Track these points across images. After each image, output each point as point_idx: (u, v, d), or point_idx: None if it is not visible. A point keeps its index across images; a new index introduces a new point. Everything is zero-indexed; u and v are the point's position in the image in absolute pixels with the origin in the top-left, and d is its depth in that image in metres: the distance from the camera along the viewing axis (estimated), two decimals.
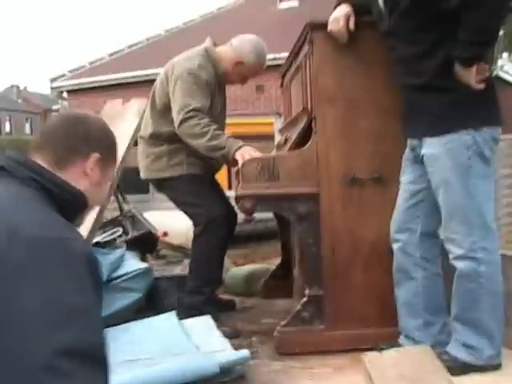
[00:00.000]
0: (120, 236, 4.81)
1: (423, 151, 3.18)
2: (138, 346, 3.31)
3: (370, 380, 2.84)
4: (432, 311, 3.35)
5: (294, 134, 3.78)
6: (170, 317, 3.65)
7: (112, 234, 4.75)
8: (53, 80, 17.35)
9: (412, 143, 3.29)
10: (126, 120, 5.22)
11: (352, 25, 3.44)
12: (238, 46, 4.36)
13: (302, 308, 3.52)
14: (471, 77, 3.01)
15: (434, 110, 3.13)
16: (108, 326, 3.52)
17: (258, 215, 4.39)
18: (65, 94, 17.74)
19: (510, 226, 12.24)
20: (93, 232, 3.98)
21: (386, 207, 3.44)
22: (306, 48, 3.67)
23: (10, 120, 58.49)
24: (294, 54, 4.15)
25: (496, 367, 3.12)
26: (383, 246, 3.47)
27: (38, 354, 1.32)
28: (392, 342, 3.36)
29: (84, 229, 3.85)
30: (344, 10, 3.46)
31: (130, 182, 4.84)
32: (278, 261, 5.24)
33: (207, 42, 4.39)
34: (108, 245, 4.47)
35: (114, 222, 5.12)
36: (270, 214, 5.26)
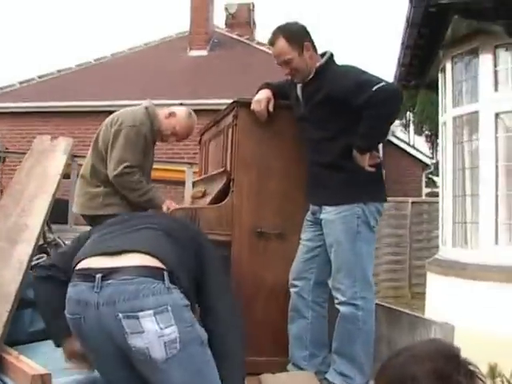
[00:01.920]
0: (44, 262, 5.20)
1: (322, 216, 3.91)
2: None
3: None
4: (317, 345, 4.02)
5: (213, 190, 4.41)
6: None
7: (37, 259, 5.09)
8: None
9: (313, 208, 4.02)
10: (55, 157, 5.70)
11: (271, 107, 4.14)
12: (172, 106, 5.03)
13: None
14: (365, 161, 3.77)
15: (333, 184, 3.88)
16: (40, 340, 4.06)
17: None
18: None
19: (387, 281, 13.15)
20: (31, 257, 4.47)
21: (285, 257, 4.11)
22: (229, 119, 4.34)
23: None
24: (217, 120, 4.83)
25: None
26: (281, 288, 4.11)
27: None
28: (282, 369, 3.99)
29: (24, 254, 4.38)
30: (266, 93, 4.18)
31: (52, 212, 5.22)
32: None
33: (147, 102, 4.97)
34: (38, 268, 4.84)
35: (39, 249, 5.56)
36: None
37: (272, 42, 3.99)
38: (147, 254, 2.88)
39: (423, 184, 21.02)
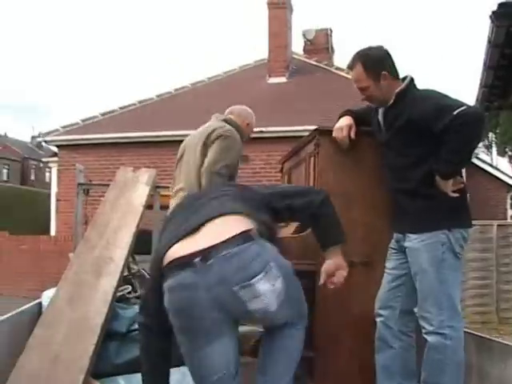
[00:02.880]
0: (129, 293, 5.25)
1: (406, 244, 3.86)
2: None
3: None
4: (405, 376, 3.95)
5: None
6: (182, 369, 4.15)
7: (122, 290, 5.15)
8: (45, 134, 17.71)
9: (397, 236, 3.97)
10: (138, 188, 5.77)
11: (353, 134, 4.13)
12: (239, 112, 5.13)
13: None
14: (448, 187, 3.71)
15: (416, 211, 3.82)
16: (125, 373, 4.09)
17: None
18: (55, 149, 18.15)
19: (473, 307, 12.86)
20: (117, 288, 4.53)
21: (372, 286, 4.06)
22: (311, 147, 4.35)
23: None
24: (298, 149, 4.83)
25: None
26: (367, 318, 4.06)
27: None
28: None
29: (109, 286, 4.43)
30: (347, 120, 4.17)
31: (136, 243, 5.27)
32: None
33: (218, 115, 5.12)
34: (123, 300, 4.89)
35: (123, 280, 5.61)
36: None
37: (351, 67, 4.00)
38: (225, 215, 3.11)
39: (508, 206, 20.60)
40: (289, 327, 3.25)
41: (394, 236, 4.04)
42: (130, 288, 5.21)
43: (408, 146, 3.84)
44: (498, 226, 13.39)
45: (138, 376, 3.99)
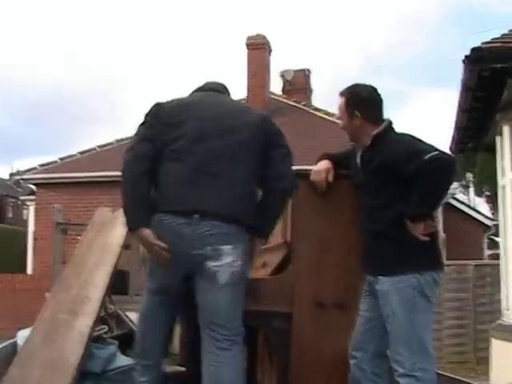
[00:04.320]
0: (105, 333, 5.24)
1: (377, 287, 3.89)
2: None
3: None
4: None
5: (273, 261, 4.44)
6: None
7: (98, 330, 5.13)
8: (23, 172, 17.74)
9: (369, 279, 4.00)
10: (115, 228, 5.78)
11: (331, 178, 4.20)
12: None
13: None
14: (418, 230, 3.77)
15: (387, 254, 3.87)
16: None
17: None
18: (33, 187, 18.14)
19: (451, 346, 12.90)
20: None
21: (346, 328, 4.06)
22: None
23: None
24: None
25: None
26: (341, 360, 4.06)
27: None
28: None
29: (85, 326, 4.44)
30: (325, 164, 4.23)
31: (113, 283, 5.27)
32: None
33: None
34: (99, 340, 4.90)
35: (100, 320, 5.60)
36: None
37: (339, 95, 4.16)
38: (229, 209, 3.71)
39: (485, 246, 20.74)
40: (231, 343, 3.76)
41: (366, 278, 4.07)
42: (106, 328, 5.21)
43: (380, 188, 3.91)
44: (475, 266, 13.49)
45: None
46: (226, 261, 3.67)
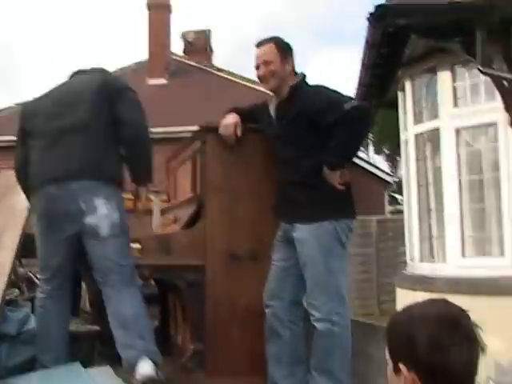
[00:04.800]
0: (17, 296, 5.16)
1: (294, 235, 3.95)
2: None
3: None
4: (295, 364, 4.06)
5: (184, 216, 4.45)
6: (75, 366, 4.16)
7: (9, 294, 5.03)
8: None
9: (285, 227, 4.05)
10: (21, 191, 5.67)
11: (239, 131, 4.21)
12: None
13: (186, 360, 4.18)
14: (335, 179, 3.85)
15: (304, 202, 3.93)
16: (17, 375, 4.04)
17: None
18: None
19: (356, 299, 13.19)
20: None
21: (259, 279, 4.13)
22: (197, 144, 4.40)
23: None
24: (184, 147, 4.88)
25: None
26: (256, 310, 4.13)
27: None
28: None
29: None
30: (233, 118, 4.24)
31: (23, 247, 5.19)
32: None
33: None
34: (12, 303, 4.81)
35: (11, 284, 5.51)
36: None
37: (260, 44, 4.12)
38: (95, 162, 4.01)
39: (386, 202, 21.22)
40: (131, 282, 4.02)
41: (280, 227, 4.13)
42: (17, 291, 5.14)
43: (298, 138, 3.96)
44: (378, 221, 13.75)
45: (30, 376, 4.02)
46: (102, 213, 3.93)
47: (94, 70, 4.39)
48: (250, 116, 4.36)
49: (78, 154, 4.02)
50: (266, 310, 4.09)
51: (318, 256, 3.86)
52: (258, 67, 4.09)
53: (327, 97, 3.91)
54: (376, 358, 3.97)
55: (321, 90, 4.02)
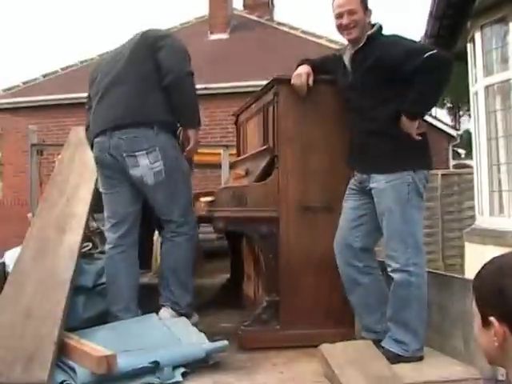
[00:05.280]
0: (90, 250, 5.26)
1: (371, 185, 3.95)
2: (127, 340, 3.82)
3: (326, 364, 3.53)
4: (384, 304, 4.03)
5: (256, 168, 4.47)
6: (151, 316, 4.26)
7: (84, 247, 5.13)
8: None
9: (361, 177, 4.06)
10: None
11: (311, 81, 4.20)
12: None
13: (261, 311, 4.21)
14: (413, 129, 3.83)
15: (383, 152, 3.92)
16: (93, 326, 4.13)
17: (202, 236, 5.05)
18: None
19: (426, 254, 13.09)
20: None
21: (332, 230, 4.15)
22: (269, 96, 4.40)
23: None
24: (255, 99, 4.88)
25: (419, 359, 3.87)
26: (329, 261, 4.15)
27: None
28: (335, 339, 3.93)
29: (73, 242, 4.45)
30: (305, 68, 4.23)
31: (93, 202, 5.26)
32: (222, 276, 5.90)
33: None
34: (87, 256, 4.90)
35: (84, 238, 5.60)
36: (212, 236, 5.97)
37: None
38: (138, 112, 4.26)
39: (450, 156, 20.93)
40: (176, 234, 4.37)
41: (355, 177, 4.13)
42: (91, 245, 5.22)
43: (374, 87, 3.93)
44: (442, 175, 13.61)
45: (106, 327, 4.10)
46: (143, 164, 4.22)
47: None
48: (322, 67, 4.34)
49: (117, 105, 4.31)
50: (339, 261, 4.11)
51: (395, 206, 3.85)
52: (340, 16, 4.03)
53: (405, 46, 3.86)
54: (451, 310, 3.95)
55: (398, 39, 3.97)
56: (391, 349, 3.86)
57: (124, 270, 4.41)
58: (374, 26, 4.06)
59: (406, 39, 3.96)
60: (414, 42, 3.94)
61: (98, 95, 4.47)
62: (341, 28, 4.07)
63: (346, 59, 4.13)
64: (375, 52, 3.90)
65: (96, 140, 4.39)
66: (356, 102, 4.07)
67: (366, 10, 4.02)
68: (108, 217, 4.52)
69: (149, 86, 4.31)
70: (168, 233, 4.42)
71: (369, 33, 4.00)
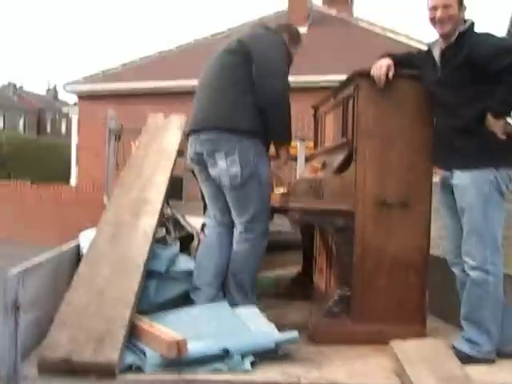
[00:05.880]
0: (164, 235, 5.30)
1: (454, 181, 3.93)
2: (198, 326, 3.87)
3: (396, 361, 3.52)
4: None
5: (334, 161, 4.45)
6: (223, 304, 4.29)
7: (157, 233, 5.16)
8: (67, 84, 17.75)
9: (443, 174, 4.06)
10: (169, 133, 5.77)
11: (391, 75, 4.15)
12: None
13: (332, 305, 4.20)
14: (498, 127, 3.75)
15: (465, 148, 3.87)
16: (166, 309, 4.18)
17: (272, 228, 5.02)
18: (74, 99, 18.22)
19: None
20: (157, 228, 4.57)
21: (409, 226, 4.14)
22: (350, 90, 4.37)
23: (3, 116, 57.78)
24: (335, 92, 4.85)
25: (491, 361, 3.80)
26: (404, 258, 4.14)
27: None
28: (408, 337, 3.87)
29: (148, 226, 4.48)
30: (387, 61, 4.20)
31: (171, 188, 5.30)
32: (293, 268, 5.87)
33: None
34: (160, 241, 4.94)
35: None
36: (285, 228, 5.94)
37: None
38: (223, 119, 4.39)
39: None
40: (240, 239, 4.52)
41: (438, 173, 4.13)
42: (165, 231, 5.25)
43: (463, 84, 3.88)
44: None
45: (178, 312, 4.12)
46: (221, 167, 4.40)
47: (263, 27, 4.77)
48: (406, 62, 4.31)
49: (206, 107, 4.50)
50: (454, 269, 4.17)
51: (476, 203, 3.81)
52: (435, 8, 3.96)
53: (497, 43, 3.78)
54: None
55: (489, 37, 3.88)
56: (463, 349, 3.81)
57: (218, 249, 4.67)
58: (465, 22, 3.99)
59: (496, 37, 3.88)
60: (505, 39, 3.84)
61: (197, 90, 4.72)
62: (434, 21, 3.99)
63: (436, 54, 4.08)
64: (466, 49, 3.84)
65: (189, 138, 4.66)
66: (443, 97, 4.01)
67: (460, 5, 3.96)
68: (206, 205, 4.93)
69: (239, 92, 4.40)
70: (236, 235, 4.59)
71: (461, 29, 3.93)
